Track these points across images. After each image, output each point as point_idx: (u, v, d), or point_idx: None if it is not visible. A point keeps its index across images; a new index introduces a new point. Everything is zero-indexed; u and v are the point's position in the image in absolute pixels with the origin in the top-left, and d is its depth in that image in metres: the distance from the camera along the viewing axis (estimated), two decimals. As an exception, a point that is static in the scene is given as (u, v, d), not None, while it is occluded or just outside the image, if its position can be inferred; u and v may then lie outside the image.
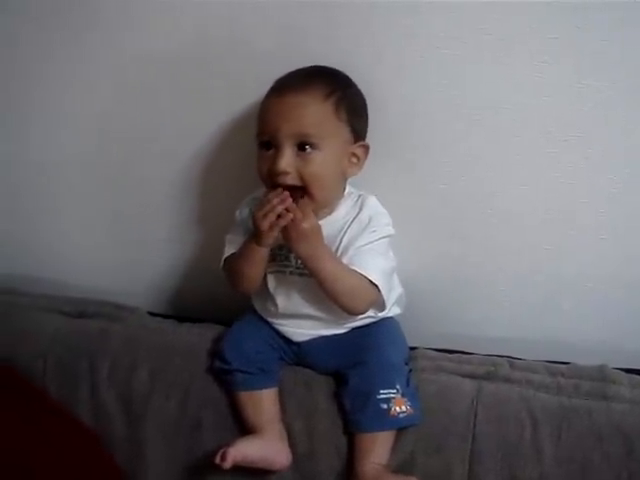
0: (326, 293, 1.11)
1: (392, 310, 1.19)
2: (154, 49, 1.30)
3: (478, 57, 1.15)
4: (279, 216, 1.06)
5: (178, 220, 1.41)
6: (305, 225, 1.06)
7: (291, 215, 1.06)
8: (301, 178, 1.08)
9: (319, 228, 1.10)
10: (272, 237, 1.08)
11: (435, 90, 1.18)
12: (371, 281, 1.10)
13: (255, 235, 1.09)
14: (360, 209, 1.16)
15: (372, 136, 1.16)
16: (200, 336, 1.28)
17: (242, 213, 1.21)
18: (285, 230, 1.07)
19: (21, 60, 1.39)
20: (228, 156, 1.32)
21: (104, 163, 1.43)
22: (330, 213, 1.15)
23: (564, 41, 1.11)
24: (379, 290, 1.11)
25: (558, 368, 1.17)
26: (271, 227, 1.06)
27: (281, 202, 1.06)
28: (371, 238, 1.14)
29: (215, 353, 1.22)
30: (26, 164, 1.48)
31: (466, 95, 1.17)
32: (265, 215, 1.06)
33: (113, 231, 1.47)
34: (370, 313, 1.16)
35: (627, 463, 1.06)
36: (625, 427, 1.07)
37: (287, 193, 1.07)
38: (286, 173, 1.07)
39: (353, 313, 1.14)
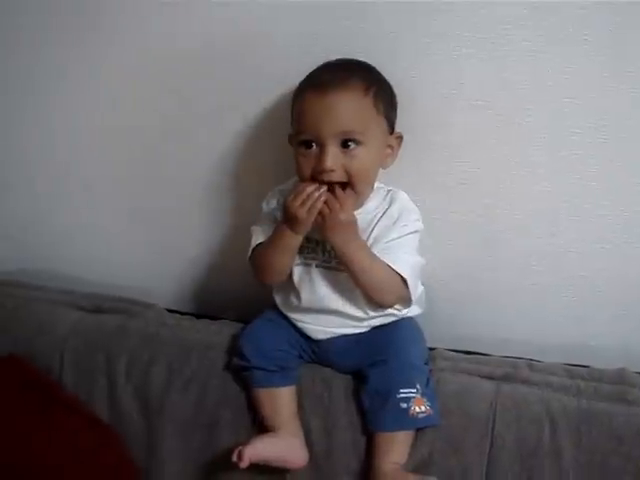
0: (357, 284, 1.11)
1: (412, 310, 1.19)
2: (180, 47, 1.30)
3: (501, 58, 1.15)
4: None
5: (198, 219, 1.42)
6: (342, 216, 1.07)
7: (324, 199, 1.06)
8: (347, 174, 1.08)
9: (355, 220, 1.10)
10: (309, 225, 1.09)
11: (457, 90, 1.18)
12: (400, 275, 1.11)
13: (290, 222, 1.09)
14: (390, 204, 1.17)
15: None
16: (218, 333, 1.28)
17: (269, 204, 1.21)
18: (322, 220, 1.08)
19: (39, 57, 1.40)
20: (251, 155, 1.33)
21: (125, 160, 1.43)
22: (361, 206, 1.15)
23: (588, 44, 1.11)
24: (407, 285, 1.12)
25: (578, 371, 1.16)
26: (309, 214, 1.07)
27: (317, 189, 1.07)
28: (401, 232, 1.14)
29: (234, 350, 1.21)
30: (47, 160, 1.48)
31: (490, 97, 1.17)
32: (303, 203, 1.07)
33: (132, 228, 1.47)
34: (393, 310, 1.16)
35: (647, 467, 1.05)
36: (645, 431, 1.07)
37: (324, 186, 1.08)
38: (333, 171, 1.07)
39: (381, 306, 1.15)
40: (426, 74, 1.18)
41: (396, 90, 1.16)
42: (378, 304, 1.14)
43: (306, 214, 1.07)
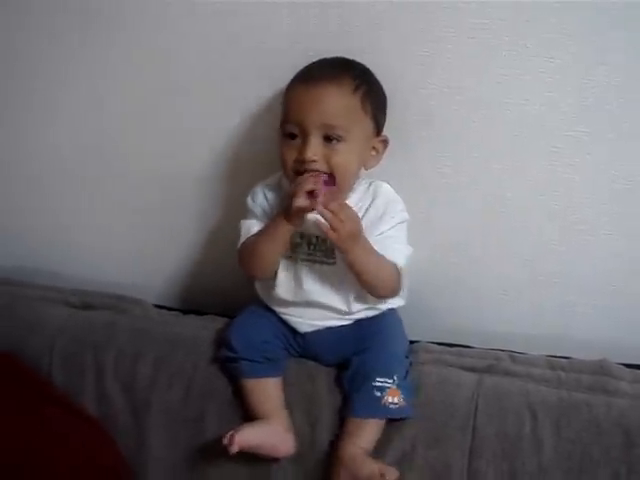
0: (362, 284, 1.13)
1: (395, 301, 1.20)
2: (175, 44, 1.32)
3: (481, 52, 1.16)
4: (311, 194, 1.06)
5: (185, 215, 1.42)
6: (353, 225, 1.08)
7: (321, 199, 1.05)
8: (328, 165, 1.09)
9: (361, 225, 1.11)
10: (302, 217, 1.10)
11: (437, 82, 1.19)
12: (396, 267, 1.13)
13: (287, 213, 1.10)
14: (374, 196, 1.18)
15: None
16: (204, 328, 1.28)
17: (256, 199, 1.21)
18: (332, 227, 1.06)
19: (40, 55, 1.41)
20: (239, 151, 1.34)
21: (111, 156, 1.44)
22: (344, 199, 1.15)
23: (569, 37, 1.12)
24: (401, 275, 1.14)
25: (559, 362, 1.17)
26: (301, 209, 1.07)
27: (314, 182, 1.07)
28: (391, 223, 1.16)
29: (221, 341, 1.22)
30: (38, 155, 1.48)
31: (469, 89, 1.18)
32: (295, 193, 1.07)
33: (119, 224, 1.48)
34: (377, 303, 1.18)
35: (626, 458, 1.06)
36: (625, 422, 1.07)
37: (320, 174, 1.08)
38: (314, 161, 1.08)
39: (379, 297, 1.17)
40: (410, 70, 1.20)
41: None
42: (377, 297, 1.16)
43: (297, 206, 1.07)
